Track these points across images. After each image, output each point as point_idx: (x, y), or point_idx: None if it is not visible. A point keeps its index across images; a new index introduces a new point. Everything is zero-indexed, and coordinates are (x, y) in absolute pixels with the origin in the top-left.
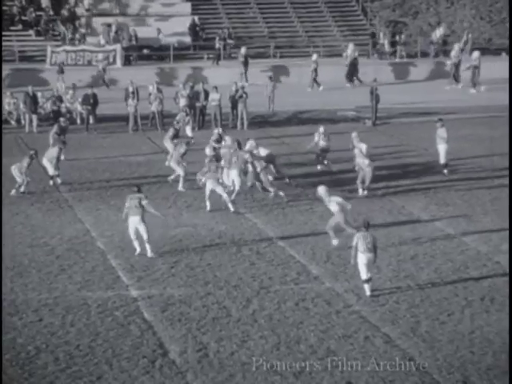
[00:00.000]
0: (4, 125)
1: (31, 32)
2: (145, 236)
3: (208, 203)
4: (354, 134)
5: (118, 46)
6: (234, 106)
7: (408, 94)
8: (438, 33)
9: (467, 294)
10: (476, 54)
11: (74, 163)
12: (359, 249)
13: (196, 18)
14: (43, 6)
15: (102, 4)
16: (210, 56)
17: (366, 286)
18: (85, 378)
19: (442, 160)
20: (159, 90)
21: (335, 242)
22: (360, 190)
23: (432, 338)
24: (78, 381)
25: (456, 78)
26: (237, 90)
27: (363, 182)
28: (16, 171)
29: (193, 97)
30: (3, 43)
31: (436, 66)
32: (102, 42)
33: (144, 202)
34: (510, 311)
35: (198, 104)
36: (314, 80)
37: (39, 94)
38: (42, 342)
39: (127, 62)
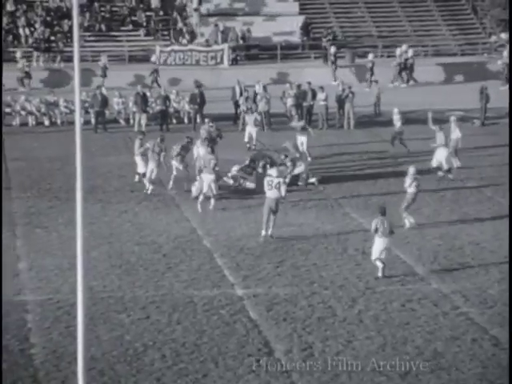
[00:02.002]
0: (112, 124)
1: (140, 32)
2: (214, 191)
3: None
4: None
5: (225, 46)
6: (341, 106)
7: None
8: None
9: None
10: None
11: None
12: (377, 233)
13: (303, 17)
14: (153, 6)
15: (209, 4)
16: (317, 55)
17: (379, 265)
18: (191, 375)
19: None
20: (265, 90)
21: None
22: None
23: None
24: (185, 378)
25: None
26: (343, 90)
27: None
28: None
29: (300, 96)
30: (113, 43)
31: None
32: (210, 41)
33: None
34: (509, 311)
35: (304, 104)
36: (370, 79)
37: (148, 94)
38: (149, 339)
39: (234, 61)
